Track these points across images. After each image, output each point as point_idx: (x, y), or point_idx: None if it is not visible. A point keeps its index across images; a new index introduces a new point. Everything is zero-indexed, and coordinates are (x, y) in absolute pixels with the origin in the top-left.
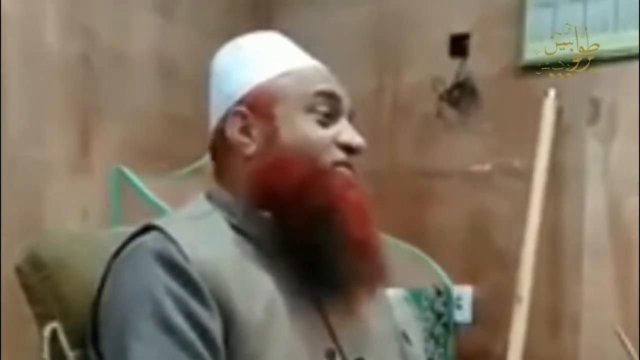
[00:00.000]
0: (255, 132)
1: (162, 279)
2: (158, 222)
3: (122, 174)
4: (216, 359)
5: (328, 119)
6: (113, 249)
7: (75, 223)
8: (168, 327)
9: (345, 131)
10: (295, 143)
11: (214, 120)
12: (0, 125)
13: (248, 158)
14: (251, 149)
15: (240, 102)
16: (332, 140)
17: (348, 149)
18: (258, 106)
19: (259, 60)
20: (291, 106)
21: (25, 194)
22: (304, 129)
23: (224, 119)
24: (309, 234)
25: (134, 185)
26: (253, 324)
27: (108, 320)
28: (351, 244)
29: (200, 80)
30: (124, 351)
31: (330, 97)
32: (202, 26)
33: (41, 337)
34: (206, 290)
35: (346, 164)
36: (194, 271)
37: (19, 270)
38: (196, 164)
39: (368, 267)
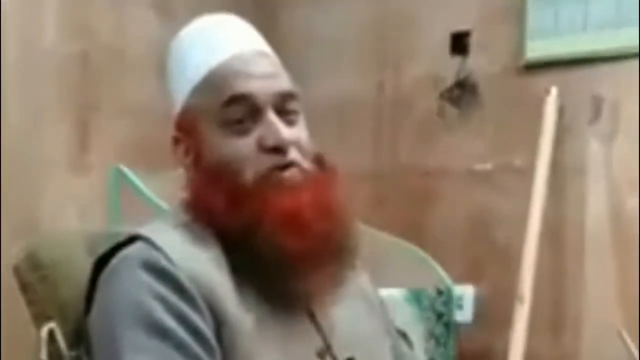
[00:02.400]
0: (183, 148)
1: (151, 285)
2: (143, 231)
3: (120, 172)
4: (213, 358)
5: (246, 124)
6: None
7: (74, 222)
8: (161, 332)
9: (269, 131)
10: (216, 161)
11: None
12: (0, 123)
13: (187, 178)
14: (185, 162)
15: (176, 117)
16: (257, 147)
17: (277, 149)
18: (184, 125)
19: (180, 69)
20: (207, 124)
21: (24, 193)
22: (221, 146)
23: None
24: (247, 253)
25: (133, 184)
26: (244, 326)
27: (100, 334)
28: (289, 256)
29: None
30: None
31: (243, 99)
32: None
33: (39, 337)
34: (196, 294)
35: (280, 167)
36: (182, 276)
37: (17, 270)
38: None
39: (318, 277)
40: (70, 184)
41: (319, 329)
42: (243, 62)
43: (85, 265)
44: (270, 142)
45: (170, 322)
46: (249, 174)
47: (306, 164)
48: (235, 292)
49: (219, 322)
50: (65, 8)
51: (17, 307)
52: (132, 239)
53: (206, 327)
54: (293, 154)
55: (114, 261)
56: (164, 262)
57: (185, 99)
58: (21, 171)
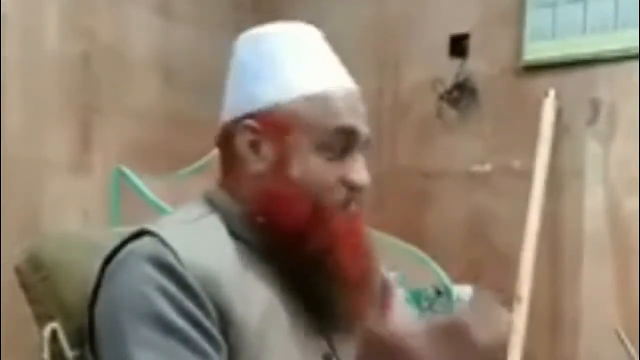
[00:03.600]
0: (264, 150)
1: (157, 281)
2: (151, 226)
3: (122, 173)
4: (220, 354)
5: (340, 154)
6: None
7: (75, 223)
8: (168, 328)
9: (354, 168)
10: (302, 178)
11: (226, 115)
12: (0, 125)
13: (253, 175)
14: (257, 166)
15: (255, 115)
16: (339, 178)
17: (352, 186)
18: (272, 127)
19: (284, 71)
20: (305, 138)
21: (25, 194)
22: (313, 166)
23: (235, 123)
24: (305, 274)
25: (134, 185)
26: (250, 327)
27: (106, 329)
28: (344, 285)
29: (201, 79)
30: (129, 357)
31: (349, 133)
32: (203, 25)
33: (41, 337)
34: (202, 293)
35: (348, 202)
36: (189, 274)
37: (18, 271)
38: (196, 164)
39: (360, 303)
40: (71, 185)
41: (325, 334)
42: (353, 95)
43: (86, 266)
44: (354, 179)
45: (176, 318)
46: (329, 201)
47: None
48: (245, 291)
49: (225, 321)
50: (66, 10)
51: (17, 307)
52: (139, 234)
53: (212, 325)
54: (356, 194)
55: (121, 255)
56: (170, 258)
57: (284, 102)
58: (23, 172)
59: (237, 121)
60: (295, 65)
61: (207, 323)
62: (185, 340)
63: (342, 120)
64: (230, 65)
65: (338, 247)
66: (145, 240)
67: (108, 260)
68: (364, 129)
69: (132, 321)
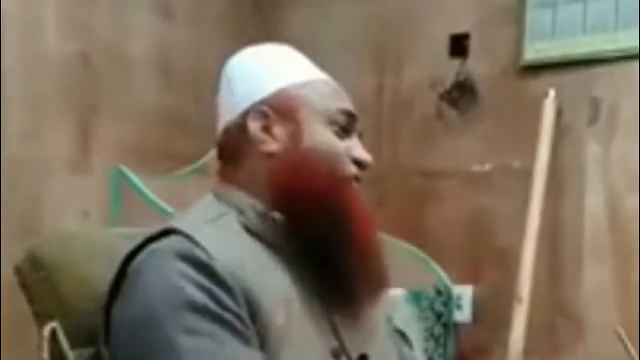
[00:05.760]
0: (277, 131)
1: (191, 276)
2: (178, 225)
3: (121, 173)
4: (253, 339)
5: (344, 133)
6: (113, 248)
7: (75, 223)
8: (209, 315)
9: (357, 147)
10: (318, 149)
11: (223, 120)
12: (0, 124)
13: (269, 155)
14: (273, 146)
15: (262, 102)
16: (347, 153)
17: (358, 163)
18: (281, 108)
19: (279, 66)
20: (314, 115)
21: (25, 194)
22: (325, 137)
23: (243, 116)
24: (321, 239)
25: (134, 185)
26: (274, 325)
27: (135, 324)
28: (359, 249)
29: (200, 80)
30: (171, 347)
31: (349, 116)
32: (202, 25)
33: (41, 337)
34: (235, 287)
35: (356, 178)
36: (219, 268)
37: (18, 270)
38: (196, 164)
39: (372, 271)
40: (71, 185)
41: (333, 327)
42: (341, 89)
43: (86, 266)
44: (360, 156)
45: (213, 306)
46: (343, 172)
47: None
48: (268, 286)
49: (253, 314)
50: (65, 9)
51: (16, 306)
52: (165, 233)
53: (246, 316)
54: (361, 173)
55: (144, 254)
56: (200, 254)
57: (291, 86)
58: (22, 172)
59: (245, 113)
60: (292, 61)
61: (243, 314)
62: (228, 325)
63: (343, 103)
64: (222, 79)
65: (352, 214)
66: (173, 238)
67: (129, 258)
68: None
69: (170, 311)
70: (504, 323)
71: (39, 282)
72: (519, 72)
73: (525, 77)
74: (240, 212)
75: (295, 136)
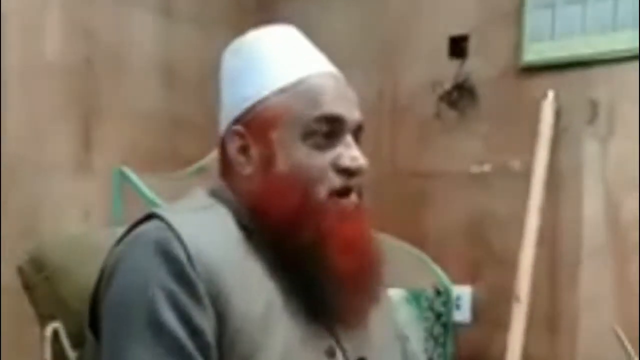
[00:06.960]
0: (252, 152)
1: (158, 274)
2: (161, 211)
3: (123, 174)
4: (208, 358)
5: (328, 139)
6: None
7: (77, 224)
8: (160, 328)
9: (346, 153)
10: (290, 171)
11: (222, 125)
12: (2, 126)
13: (245, 179)
14: (248, 170)
15: (240, 119)
16: (331, 165)
17: (348, 172)
18: (256, 127)
19: (264, 66)
20: (288, 130)
21: (27, 195)
22: (299, 157)
23: (226, 131)
24: (300, 266)
25: (136, 186)
26: (251, 318)
27: (107, 310)
28: (339, 280)
29: (202, 81)
30: (121, 351)
31: (333, 120)
32: (204, 26)
33: (43, 337)
34: (201, 288)
35: (345, 190)
36: (191, 268)
37: (21, 271)
38: (198, 165)
39: (358, 299)
40: (73, 186)
41: (330, 327)
42: (337, 81)
43: (88, 266)
44: (346, 164)
45: (171, 319)
46: (320, 191)
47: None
48: (249, 281)
49: (222, 316)
50: (67, 13)
51: (18, 307)
52: (149, 217)
53: (205, 325)
54: (356, 180)
55: (130, 236)
56: (176, 250)
57: (261, 98)
58: (24, 173)
59: (228, 129)
60: (271, 61)
61: (200, 323)
62: (175, 345)
63: (325, 108)
64: (220, 80)
65: (328, 239)
66: (154, 223)
67: (119, 241)
68: (350, 113)
69: (129, 312)
70: (503, 323)
71: (41, 283)
72: (518, 73)
73: (525, 78)
74: (231, 207)
75: (269, 160)
